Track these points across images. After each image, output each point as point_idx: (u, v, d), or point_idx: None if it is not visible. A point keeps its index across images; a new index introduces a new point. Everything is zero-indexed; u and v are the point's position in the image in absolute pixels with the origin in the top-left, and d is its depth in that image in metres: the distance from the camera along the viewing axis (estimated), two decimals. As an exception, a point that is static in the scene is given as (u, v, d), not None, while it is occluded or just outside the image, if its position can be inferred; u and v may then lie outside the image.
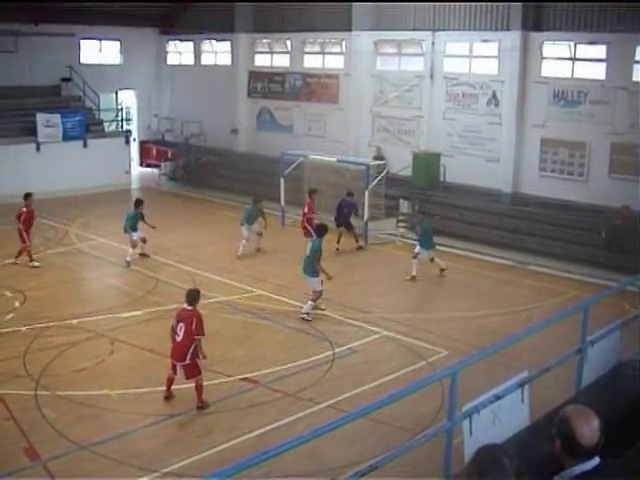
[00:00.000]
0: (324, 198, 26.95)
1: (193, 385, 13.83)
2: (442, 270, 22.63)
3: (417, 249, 22.61)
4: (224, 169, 35.82)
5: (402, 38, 30.88)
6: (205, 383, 14.38)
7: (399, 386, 13.18)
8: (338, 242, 25.28)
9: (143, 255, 23.89)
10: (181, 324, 13.75)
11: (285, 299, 19.89)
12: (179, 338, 13.73)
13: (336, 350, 16.49)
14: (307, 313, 18.52)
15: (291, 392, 14.40)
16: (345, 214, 26.16)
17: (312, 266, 18.66)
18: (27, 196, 23.41)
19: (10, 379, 14.78)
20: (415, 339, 17.21)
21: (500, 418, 7.91)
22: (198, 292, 14.39)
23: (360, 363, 15.99)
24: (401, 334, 17.54)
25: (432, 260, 22.52)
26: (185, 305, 14.05)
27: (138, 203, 24.13)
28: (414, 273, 22.30)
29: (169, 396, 14.05)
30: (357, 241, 25.91)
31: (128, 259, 23.19)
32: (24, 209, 23.11)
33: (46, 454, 12.03)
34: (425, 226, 23.01)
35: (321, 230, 19.55)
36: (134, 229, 23.49)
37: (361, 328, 17.98)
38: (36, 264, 22.73)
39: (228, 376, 15.09)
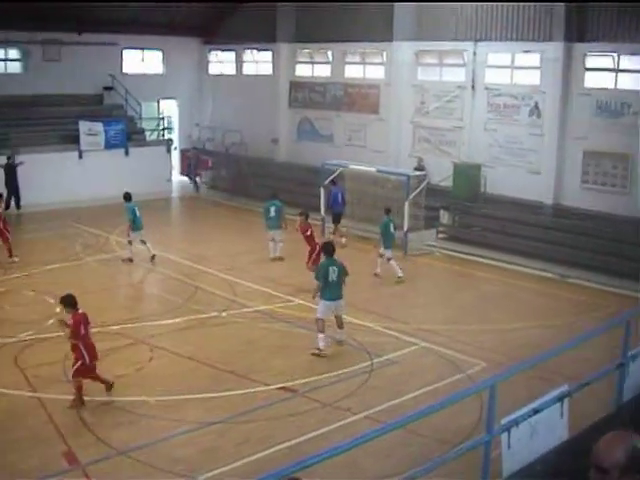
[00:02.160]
0: (364, 208, 27.01)
1: (103, 383, 14.40)
2: (399, 278, 22.70)
3: (381, 249, 23.10)
4: (264, 178, 35.89)
5: (443, 48, 30.85)
6: (243, 391, 14.52)
7: (437, 398, 13.16)
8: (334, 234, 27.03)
9: (129, 260, 24.34)
10: (88, 327, 14.18)
11: (323, 309, 19.89)
12: (91, 339, 14.24)
13: (374, 360, 16.47)
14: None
15: (329, 402, 14.40)
16: (340, 204, 27.58)
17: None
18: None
19: (50, 384, 14.97)
20: (454, 351, 17.13)
21: (538, 432, 7.86)
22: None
23: (398, 374, 15.95)
24: (440, 345, 17.48)
25: (388, 260, 22.84)
26: (78, 310, 14.17)
27: (130, 196, 24.51)
28: (400, 274, 22.67)
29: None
30: (341, 236, 26.82)
31: (152, 255, 24.08)
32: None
33: (85, 458, 12.14)
34: (381, 224, 23.29)
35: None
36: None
37: (399, 339, 17.93)
38: (16, 259, 23.75)
39: (266, 385, 15.12)
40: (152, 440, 12.81)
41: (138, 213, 24.01)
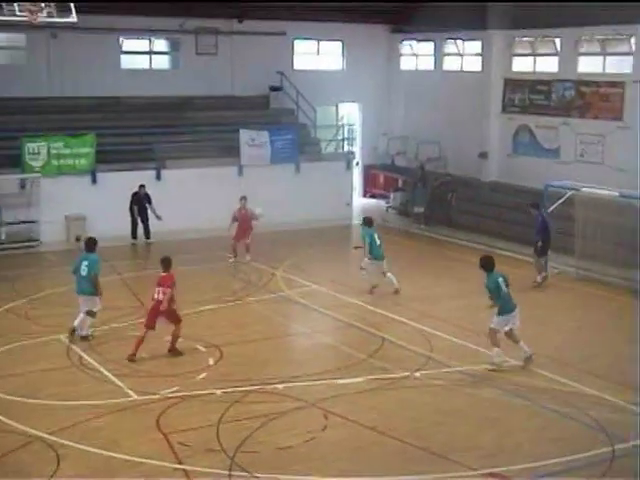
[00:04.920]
0: (601, 245, 26.36)
1: None
2: (396, 290, 25.56)
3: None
4: (469, 203, 35.71)
5: None
6: (440, 475, 14.36)
7: None
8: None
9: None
10: None
11: (547, 374, 19.41)
12: None
13: (616, 447, 15.85)
14: None
15: (556, 497, 14.03)
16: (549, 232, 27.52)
17: None
18: None
19: (200, 453, 15.19)
20: None
21: None
22: None
23: (647, 466, 15.33)
24: None
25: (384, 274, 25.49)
26: None
27: (94, 243, 21.71)
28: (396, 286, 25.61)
29: None
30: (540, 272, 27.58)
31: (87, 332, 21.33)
32: None
33: None
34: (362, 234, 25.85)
35: None
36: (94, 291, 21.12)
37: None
38: None
39: (470, 469, 14.81)
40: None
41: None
